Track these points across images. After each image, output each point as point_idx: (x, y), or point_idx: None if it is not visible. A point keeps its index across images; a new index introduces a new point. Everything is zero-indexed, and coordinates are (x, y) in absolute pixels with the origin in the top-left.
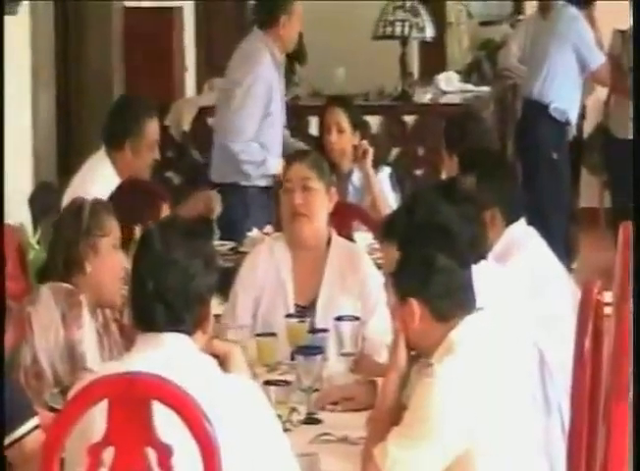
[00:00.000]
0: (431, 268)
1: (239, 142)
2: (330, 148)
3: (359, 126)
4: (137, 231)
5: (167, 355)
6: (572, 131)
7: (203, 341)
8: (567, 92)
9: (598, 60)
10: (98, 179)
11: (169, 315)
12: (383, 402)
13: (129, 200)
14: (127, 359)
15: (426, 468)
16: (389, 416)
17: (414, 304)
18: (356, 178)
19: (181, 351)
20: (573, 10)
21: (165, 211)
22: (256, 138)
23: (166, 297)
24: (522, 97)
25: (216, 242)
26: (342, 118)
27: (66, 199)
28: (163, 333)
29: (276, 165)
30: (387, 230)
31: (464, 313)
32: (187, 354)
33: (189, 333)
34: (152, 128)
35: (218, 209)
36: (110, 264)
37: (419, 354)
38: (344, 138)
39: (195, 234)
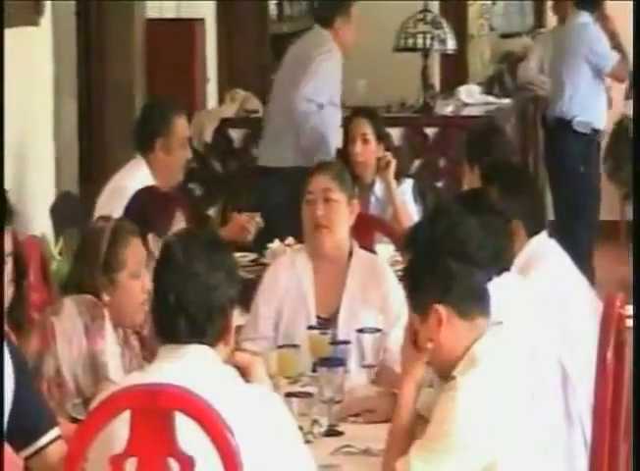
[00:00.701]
0: (452, 275)
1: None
2: (354, 159)
3: (383, 137)
4: (151, 238)
5: (189, 366)
6: (602, 137)
7: (225, 353)
8: (589, 103)
9: (610, 62)
10: (134, 178)
11: (191, 327)
12: (400, 414)
13: (143, 208)
14: (149, 370)
15: None
16: (407, 427)
17: (440, 309)
18: (379, 189)
19: (203, 363)
20: (583, 17)
21: (179, 218)
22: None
23: (188, 309)
24: (546, 114)
25: (237, 254)
26: (367, 129)
27: (102, 199)
28: (185, 344)
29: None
30: (409, 242)
31: (485, 313)
32: (210, 365)
33: (212, 344)
34: (181, 125)
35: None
36: (129, 293)
37: (442, 370)
38: (368, 149)
39: (217, 245)
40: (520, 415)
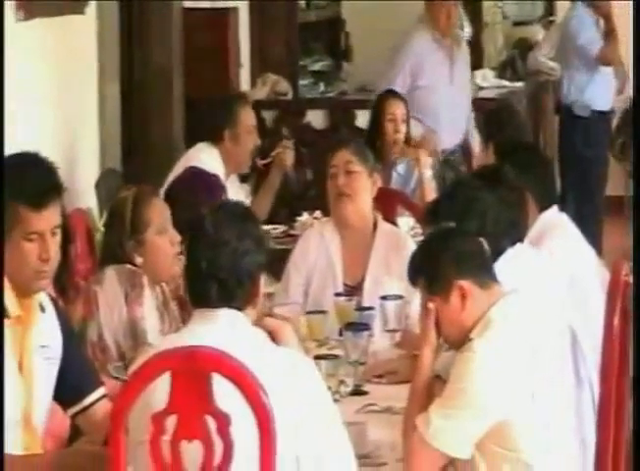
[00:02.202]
0: (469, 250)
1: None
2: (394, 137)
3: (409, 118)
4: None
5: (221, 329)
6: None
7: (254, 316)
8: (586, 87)
9: (594, 48)
10: (205, 158)
11: (222, 292)
12: (419, 375)
13: (188, 193)
14: (185, 333)
15: (466, 436)
16: (426, 387)
17: (464, 284)
18: (401, 166)
19: (234, 325)
20: (576, 7)
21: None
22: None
23: (219, 275)
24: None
25: (268, 226)
26: (403, 110)
27: (171, 176)
28: (217, 308)
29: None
30: (430, 215)
31: (497, 279)
32: (240, 328)
33: (241, 308)
34: (247, 114)
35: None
36: (159, 249)
37: (460, 338)
38: (402, 128)
39: (245, 216)
40: (533, 375)
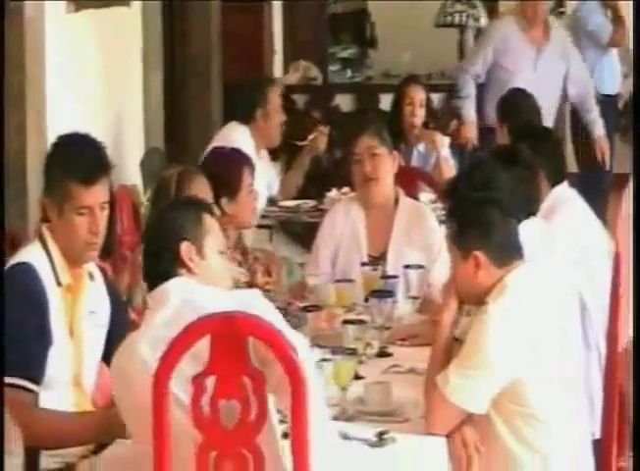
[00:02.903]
0: (490, 223)
1: None
2: (411, 120)
3: (429, 102)
4: (224, 200)
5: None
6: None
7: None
8: (596, 72)
9: (605, 33)
10: (238, 136)
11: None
12: (440, 338)
13: (214, 168)
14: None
15: (481, 393)
16: (445, 350)
17: (479, 256)
18: (421, 146)
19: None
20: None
21: (247, 176)
22: None
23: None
24: None
25: (299, 201)
26: (423, 95)
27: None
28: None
29: None
30: (450, 191)
31: (517, 259)
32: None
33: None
34: (275, 95)
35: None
36: None
37: (477, 301)
38: (422, 112)
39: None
40: (544, 337)
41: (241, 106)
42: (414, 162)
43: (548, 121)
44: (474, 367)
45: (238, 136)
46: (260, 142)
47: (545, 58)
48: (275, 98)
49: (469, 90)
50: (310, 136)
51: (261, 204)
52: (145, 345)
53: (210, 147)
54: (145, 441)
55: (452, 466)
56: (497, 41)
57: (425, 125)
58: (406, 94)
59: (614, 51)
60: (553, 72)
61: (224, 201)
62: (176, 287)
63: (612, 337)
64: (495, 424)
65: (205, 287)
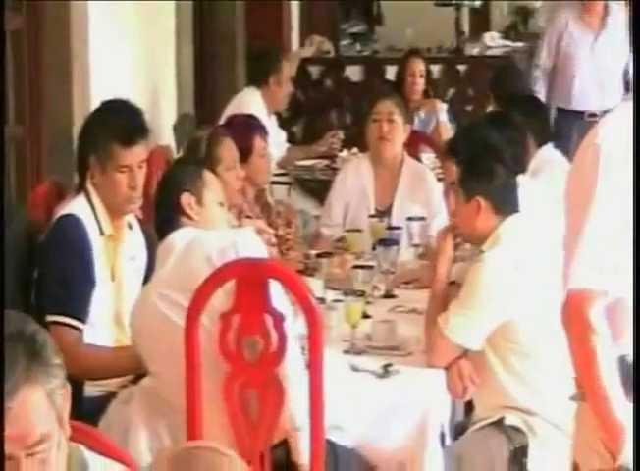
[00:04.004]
0: (492, 173)
1: None
2: (412, 88)
3: (428, 73)
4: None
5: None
6: None
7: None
8: None
9: None
10: (248, 104)
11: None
12: (437, 282)
13: (230, 133)
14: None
15: (477, 331)
16: (443, 292)
17: (481, 201)
18: (422, 112)
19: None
20: None
21: (260, 141)
22: None
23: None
24: None
25: (315, 160)
26: (423, 66)
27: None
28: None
29: None
30: (450, 150)
31: (514, 209)
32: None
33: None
34: (287, 64)
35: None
36: (227, 182)
37: (476, 244)
38: (422, 81)
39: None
40: (532, 281)
41: (257, 73)
42: (415, 126)
43: (609, 103)
44: (470, 308)
45: (251, 100)
46: (271, 106)
47: (601, 43)
48: (286, 68)
49: (539, 88)
50: (327, 137)
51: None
52: (154, 292)
53: (228, 111)
54: (164, 375)
55: (449, 395)
56: (557, 30)
57: (425, 93)
58: (408, 66)
59: None
60: (610, 57)
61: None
62: (179, 237)
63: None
64: (489, 358)
65: (204, 231)
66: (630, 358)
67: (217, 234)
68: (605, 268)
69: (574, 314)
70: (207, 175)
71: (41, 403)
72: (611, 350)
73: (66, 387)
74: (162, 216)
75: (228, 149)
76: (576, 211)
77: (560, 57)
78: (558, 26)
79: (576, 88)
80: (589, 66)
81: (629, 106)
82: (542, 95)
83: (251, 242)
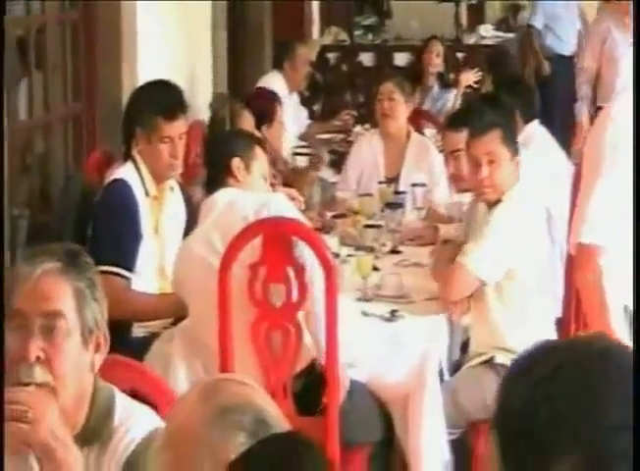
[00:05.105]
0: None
1: None
2: (431, 70)
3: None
4: (264, 127)
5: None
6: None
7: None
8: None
9: None
10: (271, 83)
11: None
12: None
13: (258, 103)
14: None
15: (494, 266)
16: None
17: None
18: (434, 90)
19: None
20: None
21: (279, 110)
22: None
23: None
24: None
25: (332, 134)
26: (440, 48)
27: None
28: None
29: None
30: (451, 123)
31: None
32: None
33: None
34: (301, 52)
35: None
36: None
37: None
38: (439, 61)
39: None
40: (530, 233)
41: (276, 60)
42: (428, 102)
43: None
44: (484, 247)
45: (274, 80)
46: (290, 86)
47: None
48: (299, 54)
49: (584, 92)
50: (343, 114)
51: (292, 136)
52: (197, 243)
53: (256, 87)
54: (202, 317)
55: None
56: (601, 34)
57: (440, 76)
58: (427, 47)
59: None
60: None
61: (264, 128)
62: (221, 195)
63: (570, 238)
64: (489, 299)
65: (244, 192)
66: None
67: (254, 195)
68: (609, 227)
69: (586, 266)
70: (257, 149)
71: (66, 291)
72: (615, 299)
73: (99, 303)
74: (212, 175)
75: (246, 120)
76: (588, 175)
77: (603, 60)
78: (600, 30)
79: (618, 89)
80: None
81: None
82: (587, 97)
83: (284, 205)
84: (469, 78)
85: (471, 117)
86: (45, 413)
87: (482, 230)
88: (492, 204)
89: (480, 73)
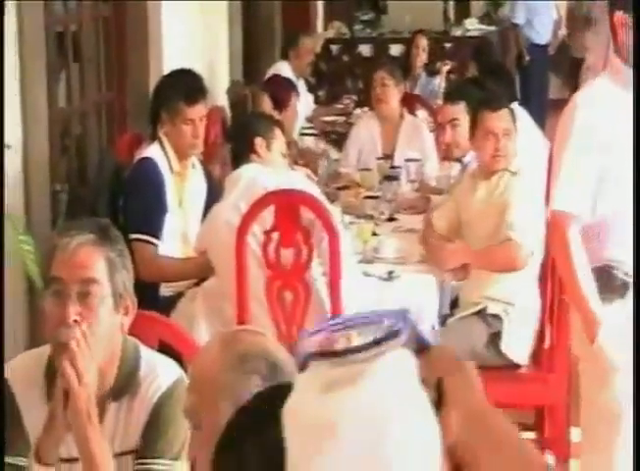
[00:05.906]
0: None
1: None
2: (417, 62)
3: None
4: (279, 111)
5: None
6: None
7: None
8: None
9: None
10: (282, 67)
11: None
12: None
13: (275, 88)
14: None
15: (532, 237)
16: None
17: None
18: (423, 78)
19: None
20: None
21: (294, 96)
22: None
23: None
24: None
25: (335, 117)
26: (425, 42)
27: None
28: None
29: None
30: (446, 97)
31: None
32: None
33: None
34: (305, 42)
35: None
36: None
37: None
38: (425, 54)
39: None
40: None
41: (283, 49)
42: (418, 88)
43: None
44: (526, 217)
45: (282, 68)
46: (297, 73)
47: None
48: (303, 44)
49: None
50: (344, 99)
51: (300, 119)
52: (225, 211)
53: (267, 76)
54: (227, 276)
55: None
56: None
57: (426, 66)
58: (414, 42)
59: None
60: None
61: (280, 112)
62: (246, 170)
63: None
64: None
65: (266, 168)
66: (612, 266)
67: (276, 171)
68: (579, 196)
69: (557, 230)
70: (277, 131)
71: (99, 260)
72: (585, 259)
73: (128, 271)
74: (237, 152)
75: (264, 102)
76: (558, 149)
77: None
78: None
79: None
80: None
81: (607, 77)
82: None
83: (301, 181)
84: (446, 67)
85: (469, 91)
86: (85, 371)
87: (511, 201)
88: (490, 174)
89: (452, 62)
